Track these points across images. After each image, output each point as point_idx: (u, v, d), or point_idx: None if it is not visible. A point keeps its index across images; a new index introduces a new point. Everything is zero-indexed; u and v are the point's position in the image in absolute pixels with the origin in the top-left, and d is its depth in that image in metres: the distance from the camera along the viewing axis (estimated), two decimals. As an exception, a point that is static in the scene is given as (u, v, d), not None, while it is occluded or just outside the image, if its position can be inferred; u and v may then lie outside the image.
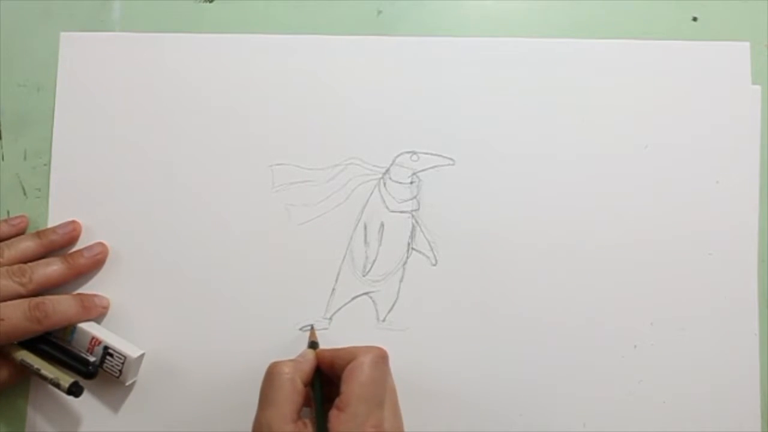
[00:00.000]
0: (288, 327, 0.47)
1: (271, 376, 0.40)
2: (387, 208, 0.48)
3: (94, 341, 0.45)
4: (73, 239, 0.48)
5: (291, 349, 0.46)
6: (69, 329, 0.45)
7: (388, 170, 0.48)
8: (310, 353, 0.43)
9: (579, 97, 0.49)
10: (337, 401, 0.39)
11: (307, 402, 0.41)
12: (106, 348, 0.45)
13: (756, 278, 0.47)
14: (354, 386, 0.39)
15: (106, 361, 0.45)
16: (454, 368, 0.46)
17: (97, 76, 0.49)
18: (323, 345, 0.46)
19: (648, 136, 0.48)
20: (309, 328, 0.47)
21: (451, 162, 0.48)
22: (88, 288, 0.47)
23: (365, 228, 0.48)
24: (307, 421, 0.39)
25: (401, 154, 0.48)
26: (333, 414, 0.39)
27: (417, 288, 0.47)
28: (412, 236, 0.48)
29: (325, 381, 0.42)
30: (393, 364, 0.42)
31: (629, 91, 0.49)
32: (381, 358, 0.41)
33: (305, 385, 0.41)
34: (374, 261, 0.47)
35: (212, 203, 0.48)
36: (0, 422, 0.46)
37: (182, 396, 0.46)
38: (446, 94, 0.49)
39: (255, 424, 0.39)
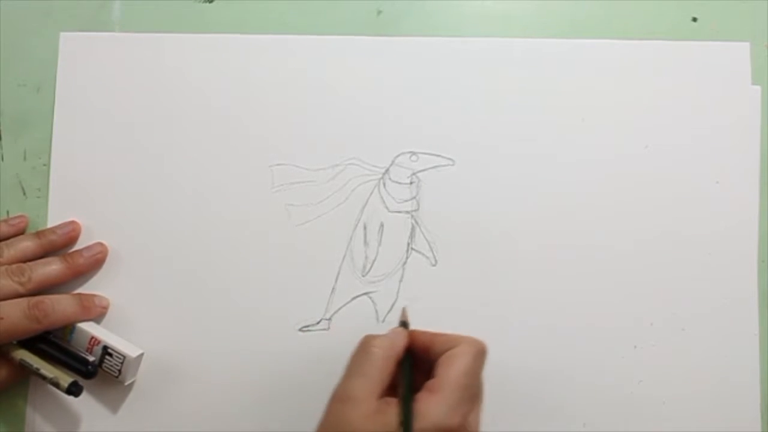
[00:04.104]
0: (288, 327, 0.47)
1: (366, 348, 0.39)
2: (387, 208, 0.48)
3: (94, 341, 0.45)
4: (72, 239, 0.47)
5: (291, 349, 0.46)
6: (68, 329, 0.45)
7: (387, 170, 0.48)
8: (403, 332, 0.42)
9: (579, 97, 0.49)
10: (429, 383, 0.38)
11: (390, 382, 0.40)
12: (105, 348, 0.45)
13: (756, 278, 0.47)
14: (452, 372, 0.38)
15: (106, 360, 0.45)
16: (453, 368, 0.46)
17: (97, 76, 0.49)
18: (323, 346, 0.46)
19: (648, 136, 0.48)
20: (309, 327, 0.46)
21: (450, 162, 0.48)
22: (87, 288, 0.47)
23: (365, 228, 0.48)
24: (390, 399, 0.38)
25: (401, 154, 0.48)
26: (423, 395, 0.37)
27: (417, 288, 0.47)
28: (412, 236, 0.48)
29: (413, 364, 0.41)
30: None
31: (629, 91, 0.49)
32: (482, 352, 0.40)
33: (396, 365, 0.40)
34: (374, 261, 0.47)
35: (212, 203, 0.48)
36: (-1, 422, 0.46)
37: (181, 396, 0.46)
38: (446, 94, 0.49)
39: (339, 389, 0.38)
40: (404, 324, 0.44)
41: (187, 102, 0.49)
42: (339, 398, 0.38)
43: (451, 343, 0.39)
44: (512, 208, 0.48)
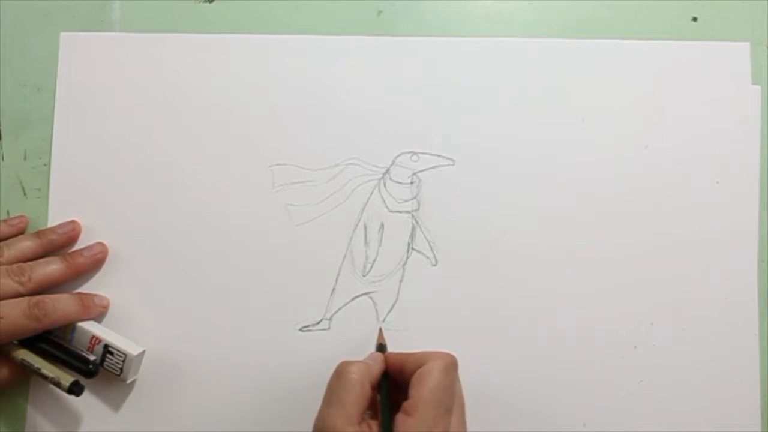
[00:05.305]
0: (288, 327, 0.47)
1: (340, 375, 0.40)
2: (387, 208, 0.48)
3: (95, 340, 0.45)
4: (72, 239, 0.48)
5: (291, 349, 0.46)
6: (69, 328, 0.45)
7: (388, 170, 0.48)
8: (379, 356, 0.43)
9: (579, 97, 0.49)
10: (405, 405, 0.39)
11: (369, 405, 0.41)
12: (106, 346, 0.45)
13: (756, 278, 0.47)
14: (423, 391, 0.39)
15: (107, 359, 0.45)
16: (454, 368, 0.46)
17: (97, 76, 0.49)
18: (323, 346, 0.46)
19: (648, 136, 0.48)
20: (309, 327, 0.47)
21: (451, 162, 0.48)
22: (88, 288, 0.47)
23: (365, 228, 0.48)
24: (372, 423, 0.39)
25: (401, 154, 0.48)
26: (400, 418, 0.38)
27: (417, 288, 0.47)
28: (412, 236, 0.48)
29: (390, 385, 0.42)
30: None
31: (629, 91, 0.49)
32: (451, 364, 0.41)
33: (372, 389, 0.41)
34: (374, 261, 0.47)
35: (212, 203, 0.48)
36: (0, 422, 0.46)
37: (183, 394, 0.46)
38: (446, 94, 0.49)
39: (318, 421, 0.39)
40: (381, 347, 0.44)
41: (187, 102, 0.49)
42: (319, 429, 0.39)
43: (421, 360, 0.40)
44: (512, 208, 0.48)
